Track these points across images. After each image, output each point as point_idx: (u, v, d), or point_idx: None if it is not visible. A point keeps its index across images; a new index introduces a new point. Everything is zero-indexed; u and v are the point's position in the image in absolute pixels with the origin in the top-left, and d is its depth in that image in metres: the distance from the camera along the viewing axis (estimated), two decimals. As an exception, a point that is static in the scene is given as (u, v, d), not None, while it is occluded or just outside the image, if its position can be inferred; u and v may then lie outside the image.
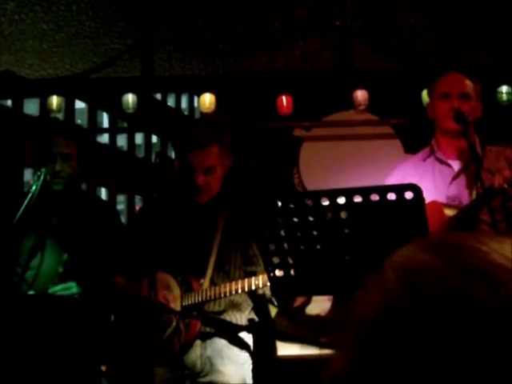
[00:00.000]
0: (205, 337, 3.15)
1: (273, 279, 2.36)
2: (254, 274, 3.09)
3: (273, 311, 3.71)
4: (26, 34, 5.09)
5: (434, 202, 3.03)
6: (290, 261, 2.29)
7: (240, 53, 5.25)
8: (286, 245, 2.28)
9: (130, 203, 30.31)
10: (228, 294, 3.04)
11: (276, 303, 3.22)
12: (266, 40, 5.21)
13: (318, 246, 2.23)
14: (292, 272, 2.30)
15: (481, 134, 3.23)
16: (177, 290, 3.13)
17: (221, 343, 3.17)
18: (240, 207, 3.27)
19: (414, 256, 0.58)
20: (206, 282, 3.14)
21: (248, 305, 3.25)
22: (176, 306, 3.11)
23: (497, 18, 4.90)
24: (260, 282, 2.93)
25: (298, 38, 5.20)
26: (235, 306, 3.21)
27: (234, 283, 3.04)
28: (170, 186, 3.37)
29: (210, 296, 3.07)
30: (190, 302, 3.10)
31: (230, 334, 3.16)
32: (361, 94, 4.83)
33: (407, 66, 5.09)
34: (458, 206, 3.11)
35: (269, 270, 2.34)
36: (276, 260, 2.30)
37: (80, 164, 3.53)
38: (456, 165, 3.32)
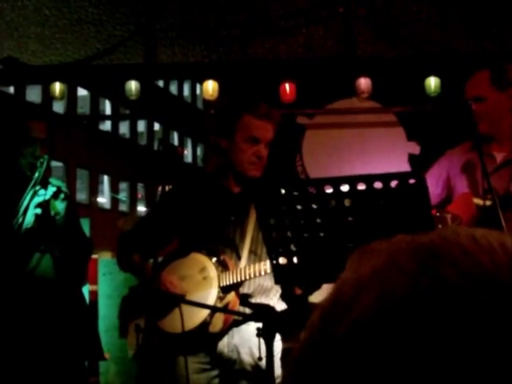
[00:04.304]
0: (232, 325, 3.05)
1: (276, 267, 2.36)
2: None
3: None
4: (29, 20, 5.07)
5: (463, 193, 3.10)
6: (294, 248, 2.29)
7: (243, 40, 5.23)
8: (289, 232, 2.28)
9: (133, 191, 30.39)
10: (269, 271, 2.90)
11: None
12: (269, 27, 5.20)
13: (322, 234, 2.23)
14: (295, 260, 2.30)
15: None
16: (213, 271, 3.03)
17: (248, 332, 3.03)
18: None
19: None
20: (242, 261, 3.06)
21: (276, 291, 3.14)
22: (214, 286, 3.01)
23: (502, 5, 4.88)
24: None
25: (301, 25, 5.18)
26: (264, 292, 3.11)
27: None
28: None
29: (250, 274, 2.97)
30: (227, 283, 3.00)
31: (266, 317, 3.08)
32: (364, 82, 4.82)
33: (411, 53, 5.07)
34: (490, 198, 3.09)
35: (272, 257, 2.33)
36: (279, 248, 2.30)
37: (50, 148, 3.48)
38: (500, 157, 3.29)
